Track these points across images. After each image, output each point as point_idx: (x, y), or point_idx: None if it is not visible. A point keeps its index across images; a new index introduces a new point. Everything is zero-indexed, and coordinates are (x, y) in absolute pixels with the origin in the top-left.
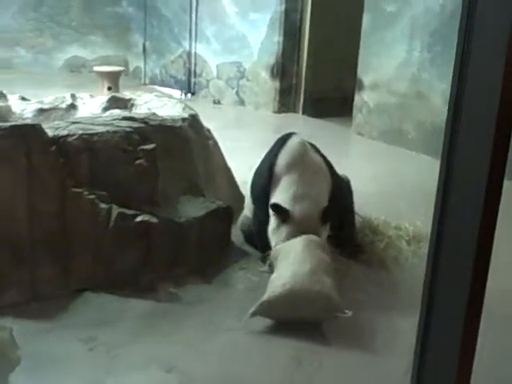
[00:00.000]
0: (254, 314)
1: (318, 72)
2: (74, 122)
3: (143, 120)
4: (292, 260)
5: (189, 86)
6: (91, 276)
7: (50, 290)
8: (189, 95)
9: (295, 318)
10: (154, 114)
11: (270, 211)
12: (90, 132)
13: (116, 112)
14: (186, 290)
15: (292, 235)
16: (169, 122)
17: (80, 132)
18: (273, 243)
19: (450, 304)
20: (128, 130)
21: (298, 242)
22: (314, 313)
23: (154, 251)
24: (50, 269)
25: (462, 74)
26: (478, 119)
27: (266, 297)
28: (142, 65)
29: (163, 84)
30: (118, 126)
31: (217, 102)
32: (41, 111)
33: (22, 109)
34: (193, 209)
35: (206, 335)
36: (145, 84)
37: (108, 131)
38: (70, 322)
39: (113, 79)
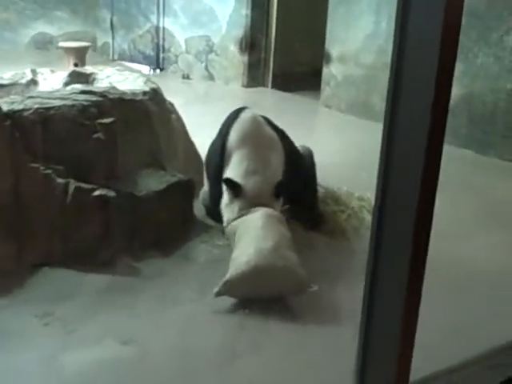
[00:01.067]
0: (218, 294)
1: (287, 45)
2: (30, 97)
3: (102, 94)
4: (253, 236)
5: (157, 62)
6: (49, 251)
7: (6, 265)
8: (158, 71)
9: (261, 296)
10: (113, 87)
11: (223, 186)
12: (47, 106)
13: (76, 86)
14: (146, 264)
15: (245, 210)
16: (129, 95)
17: (36, 106)
18: (225, 218)
19: (393, 272)
20: (85, 103)
21: (257, 218)
22: (280, 289)
23: (113, 225)
24: (5, 245)
25: (402, 37)
26: (417, 82)
27: (229, 276)
28: (109, 40)
29: (132, 59)
30: (75, 100)
31: (186, 77)
32: (0, 87)
33: None
34: (153, 182)
35: (164, 308)
36: (113, 60)
37: (65, 105)
38: (25, 298)
39: (79, 55)
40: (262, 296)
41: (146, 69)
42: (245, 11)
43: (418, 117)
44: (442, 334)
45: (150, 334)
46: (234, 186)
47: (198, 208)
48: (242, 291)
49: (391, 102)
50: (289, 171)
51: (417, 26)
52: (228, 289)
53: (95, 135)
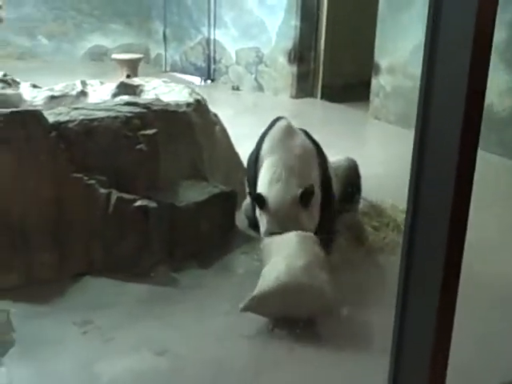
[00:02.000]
0: (244, 309)
1: (336, 56)
2: (75, 108)
3: (145, 105)
4: (286, 254)
5: (208, 73)
6: (90, 260)
7: (50, 274)
8: (208, 82)
9: (287, 315)
10: (157, 99)
11: (254, 203)
12: (91, 117)
13: (123, 98)
14: (185, 275)
15: (272, 221)
16: (172, 107)
17: (81, 118)
18: (261, 229)
19: (425, 289)
20: (129, 115)
21: (292, 237)
22: (307, 309)
23: (153, 235)
24: (49, 253)
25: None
26: (449, 89)
27: (257, 291)
28: (162, 52)
29: (183, 71)
30: (119, 112)
31: (235, 88)
32: (51, 98)
33: (33, 96)
34: (194, 193)
35: (201, 319)
36: (165, 71)
37: (109, 116)
38: (66, 306)
39: (132, 67)
40: (287, 316)
41: (197, 80)
42: (294, 22)
43: (449, 126)
44: (481, 351)
45: (185, 346)
46: (259, 199)
47: (241, 219)
48: (269, 309)
49: (422, 111)
50: (322, 184)
51: (448, 36)
52: (255, 305)
53: (138, 146)
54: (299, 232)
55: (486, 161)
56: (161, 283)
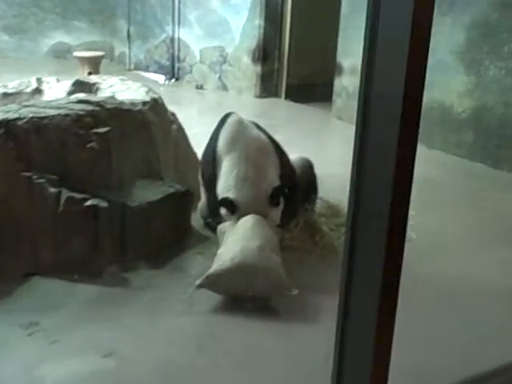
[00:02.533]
0: (199, 287)
1: (301, 56)
2: (26, 106)
3: (98, 103)
4: (241, 236)
5: (172, 71)
6: (39, 261)
7: None
8: (173, 80)
9: (241, 293)
10: (112, 97)
11: (220, 207)
12: (41, 115)
13: (79, 96)
14: (137, 276)
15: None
16: (126, 105)
17: (30, 115)
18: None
19: (366, 287)
20: (81, 113)
21: (247, 220)
22: (260, 289)
23: (104, 236)
24: None
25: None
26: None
27: (213, 270)
28: (126, 50)
29: (147, 69)
30: (70, 110)
31: (199, 87)
32: (5, 95)
33: None
34: (148, 193)
35: (152, 320)
36: (129, 69)
37: (59, 114)
38: (13, 307)
39: (93, 64)
40: (241, 294)
41: (161, 78)
42: (258, 21)
43: (388, 125)
44: (433, 351)
45: (133, 347)
46: (227, 203)
47: (196, 219)
48: (224, 287)
49: (362, 112)
50: (284, 178)
51: (386, 43)
52: (210, 282)
53: (89, 145)
54: (253, 215)
55: (445, 162)
56: (111, 284)
